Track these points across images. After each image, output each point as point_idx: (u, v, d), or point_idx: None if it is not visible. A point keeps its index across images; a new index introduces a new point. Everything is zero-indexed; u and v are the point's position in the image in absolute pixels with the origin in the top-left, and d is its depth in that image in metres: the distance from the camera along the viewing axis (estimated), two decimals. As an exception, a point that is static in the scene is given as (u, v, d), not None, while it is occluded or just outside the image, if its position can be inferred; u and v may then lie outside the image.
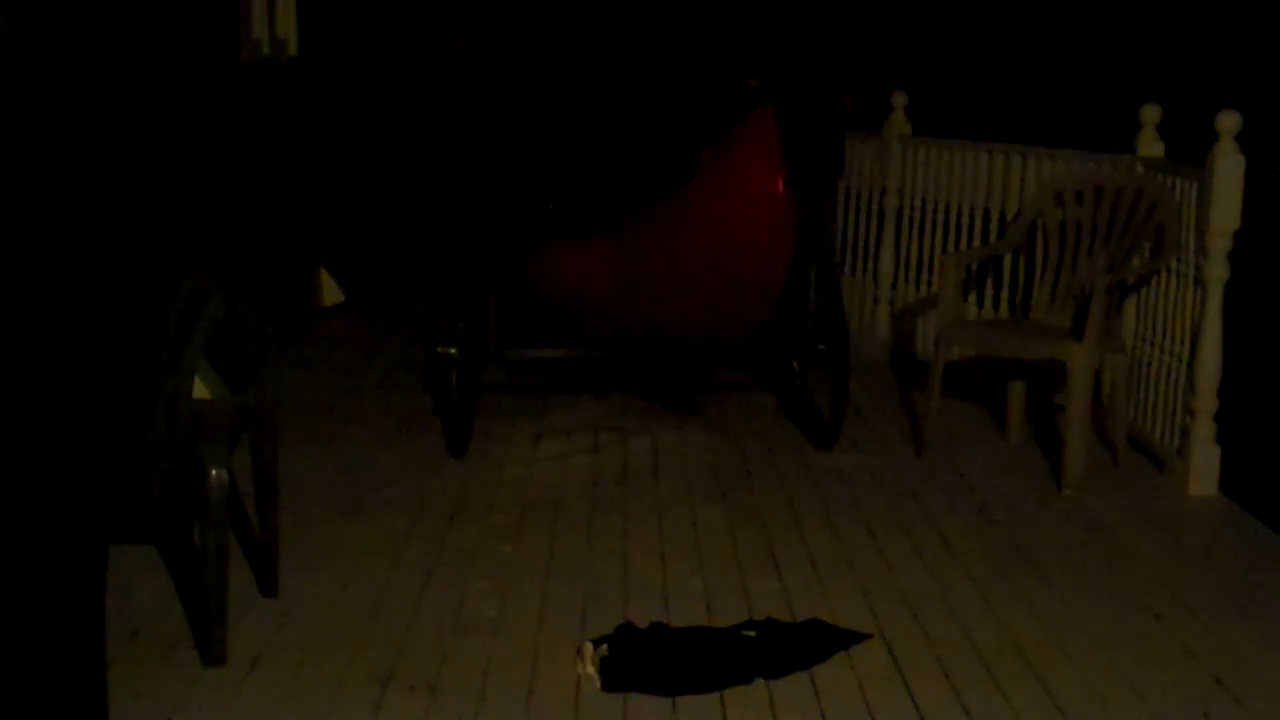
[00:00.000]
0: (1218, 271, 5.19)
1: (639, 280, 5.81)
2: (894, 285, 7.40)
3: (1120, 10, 10.01)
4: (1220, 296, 5.21)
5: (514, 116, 9.55)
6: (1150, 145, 5.89)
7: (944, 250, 6.88)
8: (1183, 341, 5.38)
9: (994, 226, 6.62)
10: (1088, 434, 5.31)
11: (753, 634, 3.96)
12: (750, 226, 5.26)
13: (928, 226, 7.10)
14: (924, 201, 7.14)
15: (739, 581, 4.38)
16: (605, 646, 3.79)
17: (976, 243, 6.72)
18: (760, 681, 3.71)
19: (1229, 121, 5.16)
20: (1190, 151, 5.44)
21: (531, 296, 6.34)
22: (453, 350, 5.75)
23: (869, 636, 3.99)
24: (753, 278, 5.35)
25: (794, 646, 3.87)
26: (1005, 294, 6.49)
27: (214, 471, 3.70)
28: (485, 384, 6.06)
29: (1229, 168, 5.15)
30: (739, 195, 5.31)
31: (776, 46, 8.22)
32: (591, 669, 3.73)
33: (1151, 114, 5.89)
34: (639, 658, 3.78)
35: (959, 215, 6.87)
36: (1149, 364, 5.64)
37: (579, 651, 3.81)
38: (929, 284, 7.09)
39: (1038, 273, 6.05)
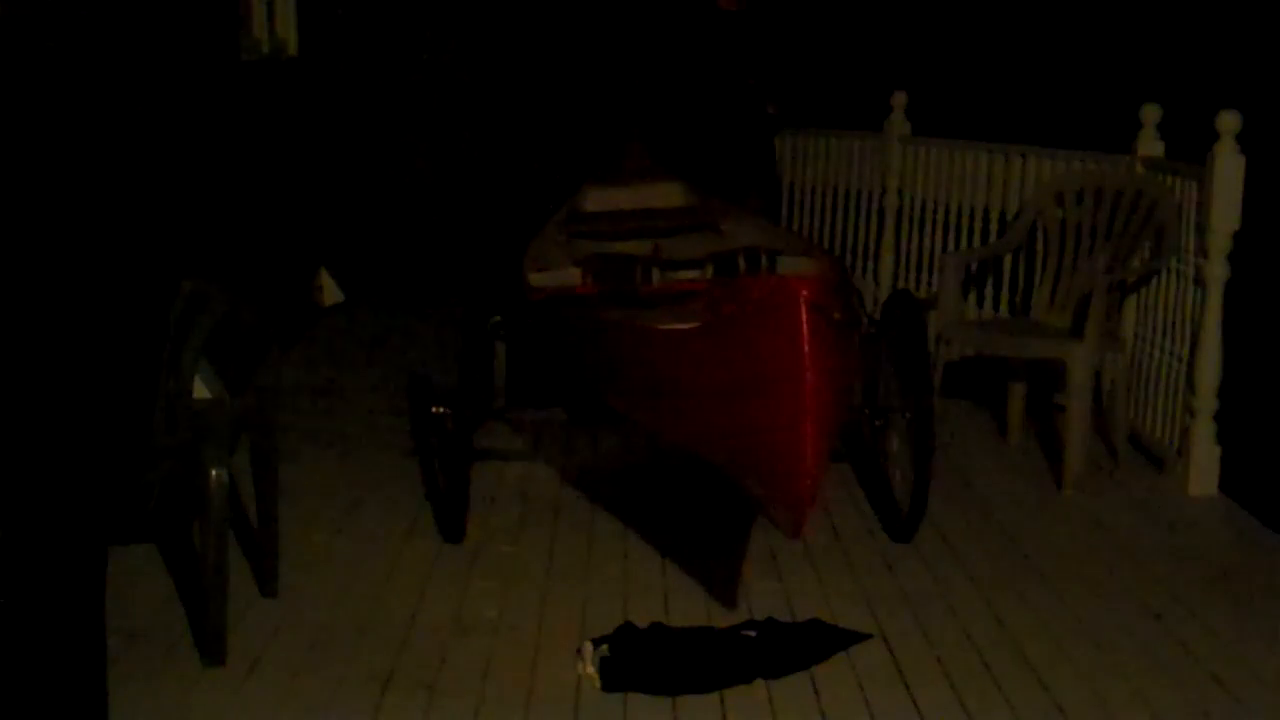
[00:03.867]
0: (1218, 271, 5.19)
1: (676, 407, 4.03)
2: (894, 285, 7.40)
3: (1120, 10, 10.00)
4: (1220, 296, 5.21)
5: (513, 117, 9.54)
6: (1150, 145, 5.88)
7: (944, 250, 6.88)
8: (1183, 341, 5.38)
9: (994, 226, 6.62)
10: (1088, 434, 5.31)
11: (753, 634, 3.96)
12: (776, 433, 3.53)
13: (928, 226, 7.10)
14: (924, 201, 7.14)
15: (739, 581, 4.38)
16: (605, 646, 3.79)
17: (976, 243, 6.71)
18: (760, 681, 3.71)
19: (1229, 121, 5.16)
20: (1190, 151, 5.43)
21: (549, 344, 5.03)
22: (447, 410, 4.83)
23: (869, 636, 3.99)
24: (778, 478, 3.63)
25: (794, 646, 3.87)
26: (1005, 294, 6.49)
27: (214, 471, 3.69)
28: (482, 450, 5.20)
29: (1229, 168, 5.15)
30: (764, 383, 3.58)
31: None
32: (591, 669, 3.73)
33: (1151, 114, 5.89)
34: (639, 658, 3.78)
35: (959, 215, 6.87)
36: (1149, 364, 5.64)
37: (579, 651, 3.81)
38: (929, 284, 7.08)
39: (1038, 273, 6.06)
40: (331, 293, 8.58)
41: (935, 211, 7.04)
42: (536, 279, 5.12)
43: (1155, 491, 5.31)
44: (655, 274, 5.17)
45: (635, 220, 6.03)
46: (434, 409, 4.83)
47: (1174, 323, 5.46)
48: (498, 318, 5.18)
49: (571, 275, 5.15)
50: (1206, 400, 5.22)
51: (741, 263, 5.21)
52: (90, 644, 2.91)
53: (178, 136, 5.71)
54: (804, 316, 3.35)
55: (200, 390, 3.95)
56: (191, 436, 3.76)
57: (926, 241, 7.12)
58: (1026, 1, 10.16)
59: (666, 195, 6.37)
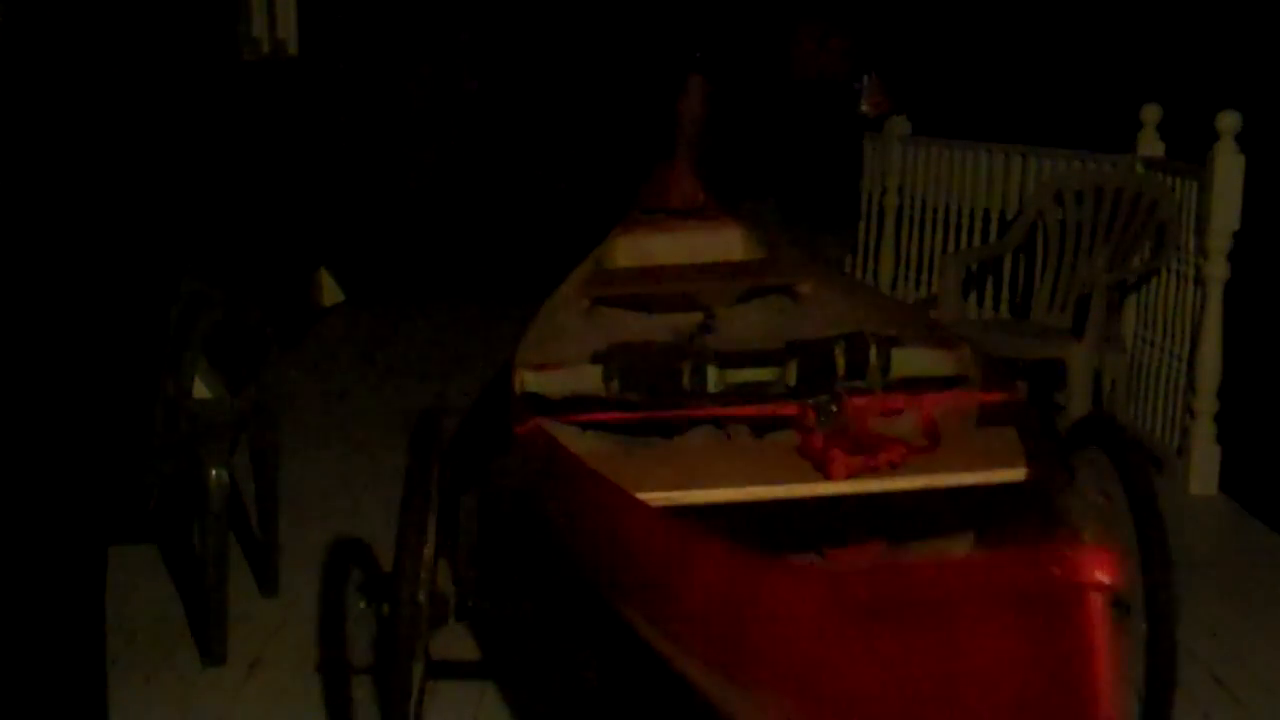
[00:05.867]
0: (1218, 271, 5.18)
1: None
2: (894, 285, 7.40)
3: (1120, 10, 10.01)
4: (1220, 296, 5.20)
5: (516, 117, 9.52)
6: (1150, 145, 5.88)
7: (944, 250, 6.88)
8: (1183, 341, 5.38)
9: (994, 226, 6.62)
10: (1088, 434, 5.30)
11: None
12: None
13: (928, 226, 7.10)
14: (924, 201, 7.14)
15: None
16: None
17: (976, 243, 6.71)
18: (760, 681, 3.70)
19: (1229, 121, 5.16)
20: (1190, 151, 5.43)
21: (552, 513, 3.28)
22: (385, 608, 2.87)
23: (869, 636, 3.97)
24: None
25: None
26: (1005, 294, 6.49)
27: (214, 471, 3.69)
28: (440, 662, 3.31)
29: (1229, 168, 5.15)
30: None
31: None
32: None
33: (1151, 114, 5.89)
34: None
35: (959, 215, 6.87)
36: (1149, 364, 5.64)
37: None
38: (929, 284, 7.08)
39: (1038, 273, 6.05)
40: (331, 292, 8.58)
41: (935, 211, 7.04)
42: (531, 381, 3.40)
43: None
44: (711, 374, 3.44)
45: (681, 279, 4.48)
46: (367, 606, 2.98)
47: (1174, 323, 5.46)
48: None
49: (585, 378, 3.45)
50: (1206, 400, 5.22)
51: (840, 359, 3.46)
52: (90, 644, 2.91)
53: (178, 136, 5.71)
54: (1099, 636, 1.69)
55: (200, 390, 3.94)
56: (191, 436, 3.76)
57: (926, 241, 7.12)
58: (1026, 1, 10.16)
59: (724, 244, 4.79)
